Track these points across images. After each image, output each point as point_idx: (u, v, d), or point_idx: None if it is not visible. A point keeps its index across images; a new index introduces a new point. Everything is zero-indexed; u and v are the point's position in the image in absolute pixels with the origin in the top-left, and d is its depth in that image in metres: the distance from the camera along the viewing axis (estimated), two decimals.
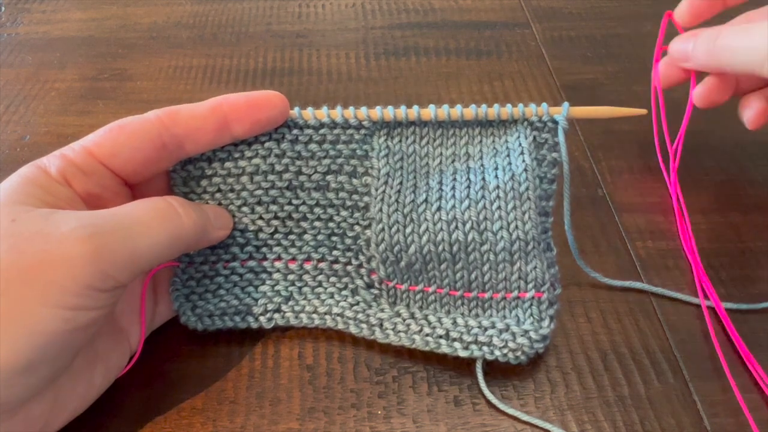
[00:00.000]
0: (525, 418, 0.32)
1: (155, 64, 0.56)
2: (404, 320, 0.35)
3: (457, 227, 0.34)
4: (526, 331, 0.33)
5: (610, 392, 0.34)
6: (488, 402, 0.33)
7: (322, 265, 0.36)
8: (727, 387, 0.34)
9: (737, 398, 0.33)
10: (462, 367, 0.34)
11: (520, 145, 0.34)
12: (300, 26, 0.61)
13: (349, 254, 0.36)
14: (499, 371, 0.34)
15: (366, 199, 0.35)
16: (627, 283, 0.38)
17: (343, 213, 0.35)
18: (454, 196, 0.34)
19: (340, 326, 0.35)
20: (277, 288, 0.36)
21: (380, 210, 0.34)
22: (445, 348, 0.34)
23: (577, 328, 0.37)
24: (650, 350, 0.35)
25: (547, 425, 0.32)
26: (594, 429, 0.32)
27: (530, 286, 0.34)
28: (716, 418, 0.32)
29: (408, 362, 0.35)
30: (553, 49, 0.58)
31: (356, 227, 0.35)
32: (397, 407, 0.33)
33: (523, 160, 0.33)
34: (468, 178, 0.34)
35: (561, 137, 0.34)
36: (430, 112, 0.34)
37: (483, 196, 0.34)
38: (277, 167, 0.34)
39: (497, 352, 0.33)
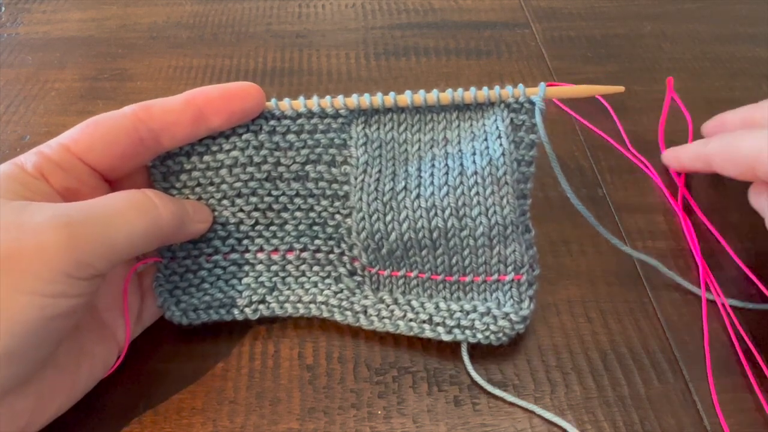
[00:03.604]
0: (512, 399, 0.33)
1: (155, 64, 0.56)
2: (388, 306, 0.35)
3: (436, 214, 0.34)
4: (507, 314, 0.34)
5: (610, 392, 0.34)
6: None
7: (304, 254, 0.36)
8: (728, 387, 0.34)
9: (738, 398, 0.33)
10: (462, 366, 0.34)
11: (497, 128, 0.34)
12: (300, 26, 0.61)
13: (331, 243, 0.36)
14: (498, 371, 0.34)
15: (345, 188, 0.35)
16: (644, 257, 0.38)
17: (324, 202, 0.35)
18: (432, 183, 0.34)
19: (325, 314, 0.35)
20: (260, 279, 0.36)
21: (360, 199, 0.34)
22: (428, 333, 0.34)
23: (577, 328, 0.37)
24: (650, 350, 0.35)
25: (537, 408, 0.32)
26: (594, 429, 0.32)
27: (509, 269, 0.34)
28: (716, 418, 0.32)
29: (408, 362, 0.35)
30: (553, 49, 0.58)
31: (337, 216, 0.35)
32: (397, 407, 0.33)
33: (501, 144, 0.33)
34: (446, 164, 0.34)
35: (538, 118, 0.33)
36: (406, 98, 0.34)
37: (461, 182, 0.34)
38: (256, 159, 0.34)
39: (479, 335, 0.34)
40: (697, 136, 0.49)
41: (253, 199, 0.35)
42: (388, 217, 0.34)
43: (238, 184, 0.34)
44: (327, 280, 0.36)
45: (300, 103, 0.34)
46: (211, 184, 0.34)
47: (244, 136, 0.34)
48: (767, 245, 0.41)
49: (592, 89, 0.36)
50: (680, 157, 0.43)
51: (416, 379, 0.34)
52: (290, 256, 0.36)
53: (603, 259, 0.40)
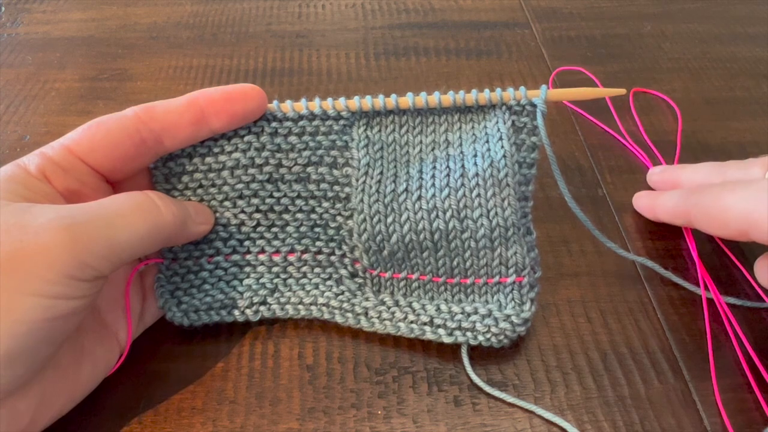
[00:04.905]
0: (512, 399, 0.33)
1: (155, 64, 0.56)
2: (389, 308, 0.35)
3: (437, 216, 0.34)
4: (508, 316, 0.34)
5: (610, 392, 0.34)
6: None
7: (305, 256, 0.36)
8: (728, 387, 0.34)
9: (737, 398, 0.33)
10: (462, 366, 0.34)
11: (498, 130, 0.34)
12: (300, 26, 0.61)
13: (332, 245, 0.36)
14: (498, 372, 0.34)
15: (347, 189, 0.35)
16: (640, 259, 0.38)
17: (325, 204, 0.35)
18: (434, 184, 0.34)
19: (326, 316, 0.35)
20: (261, 281, 0.36)
21: (361, 200, 0.34)
22: (429, 335, 0.34)
23: (577, 328, 0.37)
24: (650, 350, 0.35)
25: (537, 408, 0.32)
26: (594, 429, 0.32)
27: (511, 271, 0.34)
28: (716, 418, 0.32)
29: (408, 362, 0.35)
30: (553, 49, 0.58)
31: (338, 218, 0.35)
32: (397, 407, 0.33)
33: (502, 146, 0.33)
34: (448, 166, 0.34)
35: (540, 120, 0.33)
36: (408, 100, 0.34)
37: (463, 184, 0.34)
38: (257, 160, 0.34)
39: (480, 338, 0.34)
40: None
41: (255, 201, 0.35)
42: (390, 219, 0.34)
43: (239, 186, 0.34)
44: (328, 282, 0.36)
45: (302, 105, 0.34)
46: (213, 185, 0.34)
47: (246, 138, 0.34)
48: (763, 246, 0.41)
49: (593, 92, 0.36)
50: (656, 209, 0.41)
51: (416, 379, 0.34)
52: (291, 258, 0.36)
53: (603, 259, 0.40)
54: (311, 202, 0.35)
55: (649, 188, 0.44)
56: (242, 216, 0.35)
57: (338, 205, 0.35)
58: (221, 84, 0.54)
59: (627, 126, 0.49)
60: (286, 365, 0.35)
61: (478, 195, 0.34)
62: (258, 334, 0.36)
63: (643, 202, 0.42)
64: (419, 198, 0.34)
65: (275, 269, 0.36)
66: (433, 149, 0.35)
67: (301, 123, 0.34)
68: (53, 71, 0.55)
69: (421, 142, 0.35)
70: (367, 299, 0.35)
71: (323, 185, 0.35)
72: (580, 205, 0.43)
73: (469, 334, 0.34)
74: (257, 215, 0.35)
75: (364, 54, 0.57)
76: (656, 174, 0.43)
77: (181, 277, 0.36)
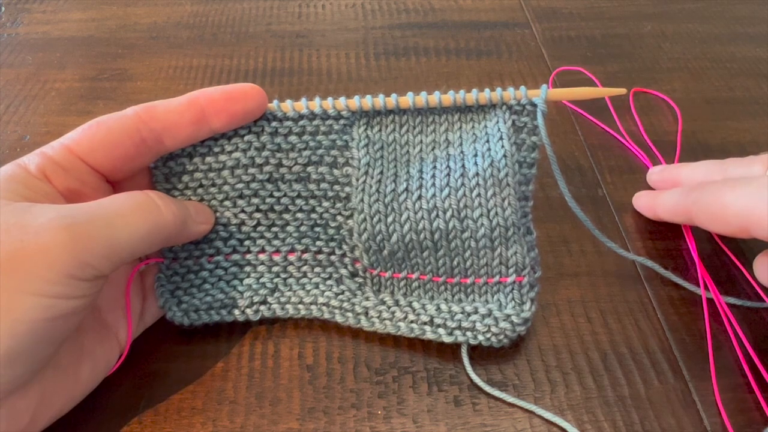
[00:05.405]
0: (511, 399, 0.33)
1: (155, 64, 0.56)
2: (389, 308, 0.35)
3: (437, 216, 0.34)
4: (508, 316, 0.34)
5: (610, 392, 0.34)
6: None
7: (306, 256, 0.36)
8: (728, 387, 0.34)
9: (737, 398, 0.33)
10: (462, 366, 0.34)
11: (499, 130, 0.34)
12: (300, 26, 0.61)
13: (332, 244, 0.36)
14: (498, 372, 0.34)
15: (347, 189, 0.35)
16: (640, 259, 0.38)
17: (325, 204, 0.35)
18: (434, 184, 0.34)
19: (326, 316, 0.36)
20: (262, 280, 0.36)
21: (361, 200, 0.34)
22: (429, 334, 0.34)
23: (577, 328, 0.37)
24: (650, 350, 0.35)
25: (537, 408, 0.32)
26: (594, 429, 0.32)
27: (511, 270, 0.34)
28: (716, 418, 0.32)
29: (408, 362, 0.35)
30: (553, 49, 0.58)
31: (338, 217, 0.35)
32: (397, 407, 0.33)
33: (502, 146, 0.33)
34: (448, 166, 0.34)
35: (540, 120, 0.33)
36: (408, 99, 0.34)
37: (463, 184, 0.34)
38: (258, 160, 0.34)
39: (480, 337, 0.34)
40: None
41: (255, 201, 0.35)
42: (390, 218, 0.34)
43: (239, 186, 0.34)
44: (328, 282, 0.36)
45: (302, 105, 0.34)
46: (213, 185, 0.34)
47: (246, 137, 0.34)
48: (763, 244, 0.41)
49: (593, 92, 0.35)
50: (656, 207, 0.41)
51: (416, 379, 0.34)
52: (292, 258, 0.36)
53: (603, 259, 0.40)
54: (311, 201, 0.35)
55: (649, 188, 0.44)
56: (242, 215, 0.35)
57: (338, 205, 0.35)
58: (221, 84, 0.54)
59: (627, 126, 0.49)
60: (286, 365, 0.35)
61: (479, 195, 0.34)
62: (258, 334, 0.36)
63: (643, 202, 0.42)
64: (419, 198, 0.34)
65: (275, 269, 0.36)
66: (433, 149, 0.35)
67: (301, 122, 0.34)
68: (53, 71, 0.55)
69: (421, 141, 0.35)
70: (367, 299, 0.36)
71: (323, 185, 0.35)
72: (580, 205, 0.43)
73: (469, 333, 0.34)
74: (257, 215, 0.35)
75: (364, 54, 0.57)
76: (656, 173, 0.43)
77: (182, 277, 0.36)
